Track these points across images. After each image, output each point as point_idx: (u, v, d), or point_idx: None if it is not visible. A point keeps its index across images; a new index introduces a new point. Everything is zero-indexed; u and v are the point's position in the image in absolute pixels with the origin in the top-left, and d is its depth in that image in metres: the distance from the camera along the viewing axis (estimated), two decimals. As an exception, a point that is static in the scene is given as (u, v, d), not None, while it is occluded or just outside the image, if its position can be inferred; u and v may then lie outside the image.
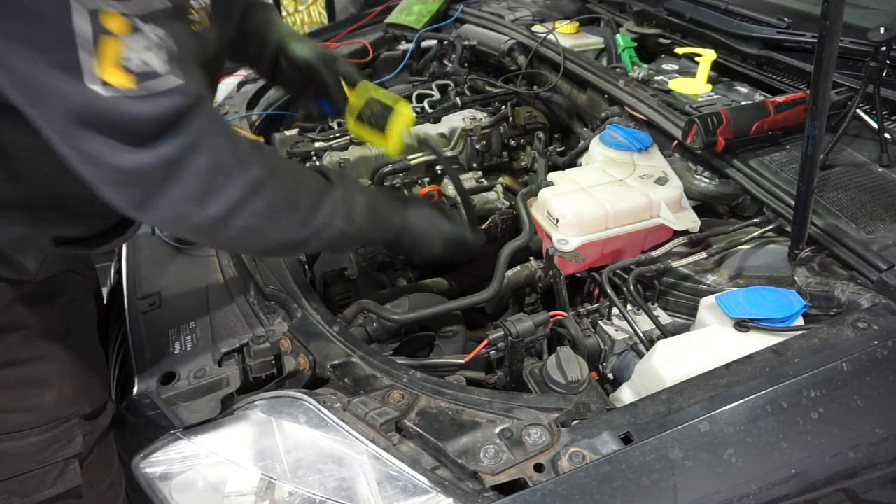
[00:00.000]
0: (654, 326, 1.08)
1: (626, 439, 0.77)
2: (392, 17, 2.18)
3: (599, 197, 1.19)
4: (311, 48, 1.19)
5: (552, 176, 1.29)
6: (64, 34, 0.61)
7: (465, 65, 1.99)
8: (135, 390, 1.00)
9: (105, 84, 0.64)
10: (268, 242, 0.87)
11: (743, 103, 1.33)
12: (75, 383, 0.95)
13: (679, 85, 1.44)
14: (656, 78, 1.51)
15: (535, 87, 1.76)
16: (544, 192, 1.24)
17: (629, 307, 1.10)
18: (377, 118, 1.14)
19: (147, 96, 0.67)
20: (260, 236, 0.85)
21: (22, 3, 0.59)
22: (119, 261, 1.30)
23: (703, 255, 1.15)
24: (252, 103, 1.81)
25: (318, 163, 1.54)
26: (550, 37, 1.78)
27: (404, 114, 1.13)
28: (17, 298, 0.88)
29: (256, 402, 0.88)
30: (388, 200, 1.08)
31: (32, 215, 0.85)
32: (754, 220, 1.17)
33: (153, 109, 0.68)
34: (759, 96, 1.41)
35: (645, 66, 1.60)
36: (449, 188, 1.45)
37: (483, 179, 1.55)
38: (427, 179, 1.58)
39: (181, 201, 0.75)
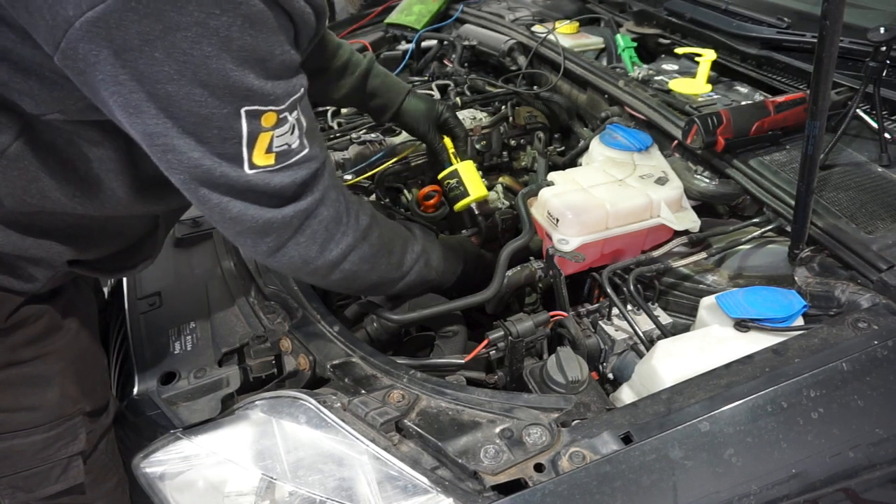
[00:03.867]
0: (654, 326, 1.08)
1: (626, 439, 0.77)
2: (392, 17, 2.18)
3: (599, 197, 1.19)
4: (421, 109, 1.38)
5: (552, 176, 1.29)
6: (231, 134, 0.73)
7: (465, 65, 1.99)
8: (135, 390, 1.00)
9: (254, 165, 0.76)
10: (366, 283, 1.00)
11: (743, 103, 1.33)
12: (77, 381, 0.96)
13: (679, 85, 1.44)
14: (656, 78, 1.51)
15: (535, 87, 1.76)
16: (544, 192, 1.24)
17: (629, 307, 1.10)
18: (452, 191, 1.39)
19: (284, 168, 0.79)
20: (361, 278, 0.97)
21: (196, 112, 0.69)
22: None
23: (703, 255, 1.15)
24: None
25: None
26: (550, 37, 1.78)
27: (466, 201, 1.37)
28: (19, 302, 0.89)
29: (256, 402, 0.88)
30: (453, 250, 1.22)
31: (51, 239, 0.88)
32: (754, 220, 1.17)
33: (291, 178, 0.80)
34: (759, 96, 1.41)
35: (645, 66, 1.60)
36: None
37: (483, 179, 1.55)
38: (427, 179, 1.58)
39: (307, 248, 0.87)
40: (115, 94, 0.68)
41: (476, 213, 1.42)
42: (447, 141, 1.41)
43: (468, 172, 1.38)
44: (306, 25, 0.77)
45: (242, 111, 0.72)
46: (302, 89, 0.78)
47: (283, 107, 0.75)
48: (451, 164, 1.39)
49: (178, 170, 0.75)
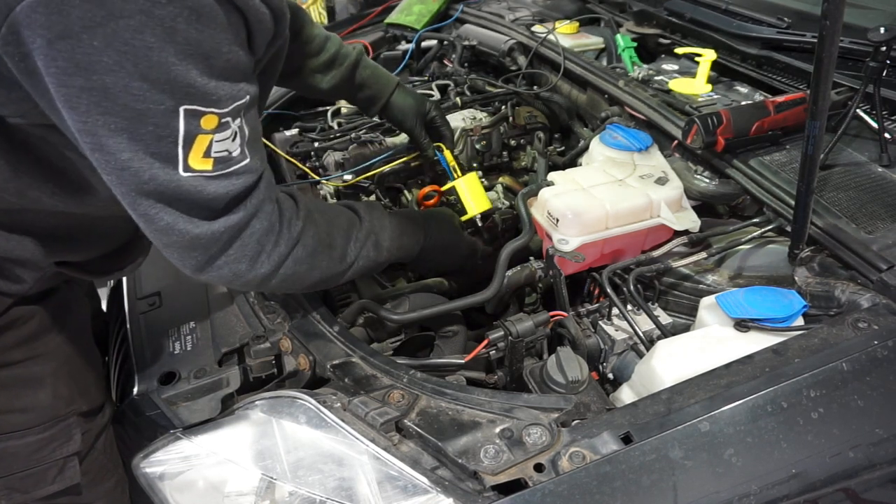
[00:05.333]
0: (654, 326, 1.08)
1: (626, 439, 0.77)
2: (392, 17, 2.18)
3: (599, 197, 1.19)
4: (410, 103, 1.37)
5: (552, 176, 1.29)
6: (167, 132, 0.69)
7: (465, 65, 1.99)
8: (135, 390, 1.00)
9: (188, 168, 0.73)
10: (308, 282, 0.96)
11: (743, 103, 1.33)
12: (70, 382, 0.96)
13: (679, 85, 1.44)
14: (656, 78, 1.51)
15: (535, 87, 1.76)
16: (544, 192, 1.24)
17: (629, 307, 1.10)
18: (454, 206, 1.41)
19: (221, 176, 0.76)
20: (302, 279, 0.93)
21: (132, 106, 0.66)
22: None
23: (703, 255, 1.15)
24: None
25: (317, 162, 1.54)
26: (550, 37, 1.78)
27: (470, 215, 1.38)
28: (8, 303, 0.89)
29: (256, 402, 0.88)
30: (410, 222, 1.17)
31: (34, 239, 0.88)
32: (754, 220, 1.17)
33: (226, 188, 0.77)
34: (759, 96, 1.41)
35: (645, 66, 1.60)
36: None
37: (483, 179, 1.55)
38: (427, 179, 1.58)
39: (238, 262, 0.83)
40: (51, 85, 0.65)
41: (479, 224, 1.41)
42: (448, 154, 1.41)
43: (469, 186, 1.38)
44: (261, 26, 0.75)
45: (181, 109, 0.69)
46: (248, 97, 0.75)
47: (225, 110, 0.72)
48: (452, 179, 1.39)
49: (107, 170, 0.72)
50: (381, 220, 1.08)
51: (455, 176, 1.39)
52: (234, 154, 0.76)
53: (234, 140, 0.75)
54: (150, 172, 0.71)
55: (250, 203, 0.81)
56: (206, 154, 0.73)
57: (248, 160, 0.78)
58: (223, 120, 0.72)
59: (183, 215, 0.76)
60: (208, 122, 0.71)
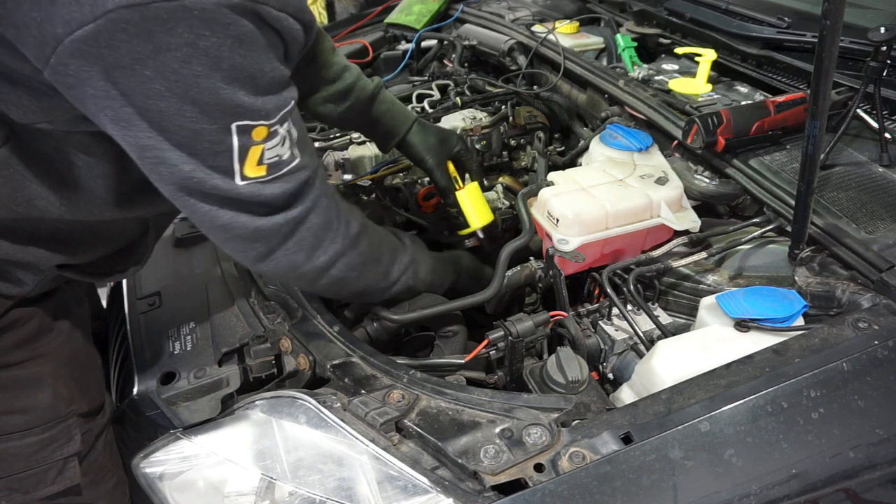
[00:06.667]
0: (654, 326, 1.08)
1: (626, 439, 0.77)
2: (392, 17, 2.18)
3: (599, 197, 1.19)
4: (431, 142, 1.31)
5: (552, 176, 1.29)
6: (223, 148, 0.74)
7: (465, 65, 1.99)
8: (135, 390, 1.00)
9: (245, 177, 0.77)
10: (353, 289, 1.01)
11: (743, 103, 1.33)
12: (70, 383, 0.96)
13: (679, 85, 1.44)
14: (656, 78, 1.51)
15: (535, 87, 1.76)
16: (544, 192, 1.24)
17: (629, 307, 1.10)
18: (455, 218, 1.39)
19: (275, 179, 0.80)
20: (349, 284, 0.98)
21: (187, 127, 0.70)
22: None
23: (703, 255, 1.15)
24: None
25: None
26: (550, 37, 1.78)
27: (466, 231, 1.37)
28: (8, 305, 0.89)
29: (256, 402, 0.88)
30: (446, 265, 1.21)
31: (39, 244, 0.88)
32: (754, 220, 1.16)
33: (282, 189, 0.81)
34: (759, 96, 1.41)
35: (645, 66, 1.60)
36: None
37: (483, 179, 1.55)
38: (427, 180, 1.58)
39: (295, 254, 0.87)
40: (105, 109, 0.68)
41: (480, 236, 1.39)
42: (449, 164, 1.34)
43: (471, 198, 1.34)
44: (295, 41, 0.78)
45: (233, 126, 0.72)
46: (292, 101, 0.79)
47: (273, 120, 0.76)
48: (454, 191, 1.34)
49: (169, 181, 0.75)
50: (423, 254, 1.14)
51: (457, 187, 1.34)
52: (285, 157, 0.80)
53: (283, 144, 0.79)
54: (211, 183, 0.75)
55: (308, 198, 0.85)
56: (260, 162, 0.77)
57: (298, 159, 0.82)
58: (272, 129, 0.76)
59: (244, 213, 0.80)
60: (259, 133, 0.75)
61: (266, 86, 0.74)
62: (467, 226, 1.35)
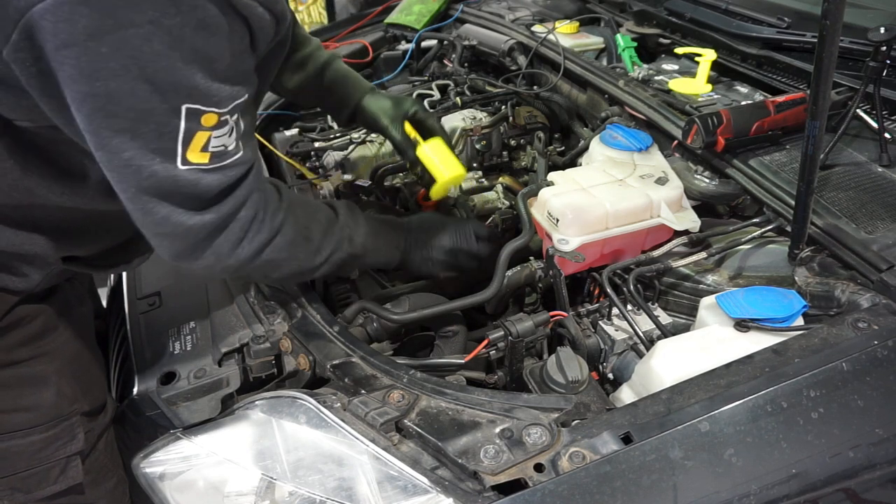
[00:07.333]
0: (654, 326, 1.08)
1: (626, 439, 0.77)
2: (392, 17, 2.18)
3: (599, 197, 1.19)
4: (384, 105, 1.27)
5: (552, 176, 1.29)
6: (168, 129, 0.72)
7: (465, 65, 1.99)
8: (135, 390, 1.00)
9: (186, 161, 0.75)
10: (285, 271, 0.97)
11: (743, 103, 1.33)
12: (73, 382, 0.96)
13: (679, 85, 1.44)
14: (656, 78, 1.51)
15: (535, 87, 1.76)
16: (544, 192, 1.23)
17: (629, 307, 1.10)
18: (427, 178, 1.26)
19: (216, 169, 0.78)
20: (279, 267, 0.95)
21: (136, 107, 0.69)
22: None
23: (703, 255, 1.15)
24: (252, 103, 1.80)
25: (317, 162, 1.54)
26: (550, 37, 1.78)
27: (442, 184, 1.23)
28: (14, 301, 0.89)
29: (256, 402, 0.88)
30: (388, 226, 1.17)
31: (44, 234, 0.89)
32: (754, 220, 1.17)
33: (219, 181, 0.79)
34: (759, 96, 1.41)
35: (645, 66, 1.60)
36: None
37: (483, 179, 1.55)
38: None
39: (221, 249, 0.85)
40: (61, 85, 0.67)
41: (454, 196, 1.29)
42: (408, 126, 1.26)
43: (436, 151, 1.22)
44: (263, 30, 0.77)
45: (183, 108, 0.71)
46: (246, 95, 0.78)
47: (224, 109, 0.75)
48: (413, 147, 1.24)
49: (109, 168, 0.74)
50: (357, 220, 1.09)
51: (419, 144, 1.23)
52: (230, 148, 0.79)
53: (230, 135, 0.78)
54: (150, 169, 0.73)
55: (240, 192, 0.83)
56: (205, 149, 0.76)
57: (241, 153, 0.81)
58: (222, 118, 0.75)
59: (178, 208, 0.78)
60: (208, 119, 0.74)
61: (224, 73, 0.73)
62: (434, 186, 1.23)
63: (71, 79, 0.66)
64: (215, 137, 0.76)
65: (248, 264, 0.89)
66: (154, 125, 0.71)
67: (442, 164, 1.20)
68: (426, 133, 1.28)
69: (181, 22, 0.66)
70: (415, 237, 1.19)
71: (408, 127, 1.26)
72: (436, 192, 1.26)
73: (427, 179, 1.25)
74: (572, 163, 1.55)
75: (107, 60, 0.65)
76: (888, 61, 1.17)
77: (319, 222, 1.02)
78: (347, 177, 1.48)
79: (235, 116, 0.77)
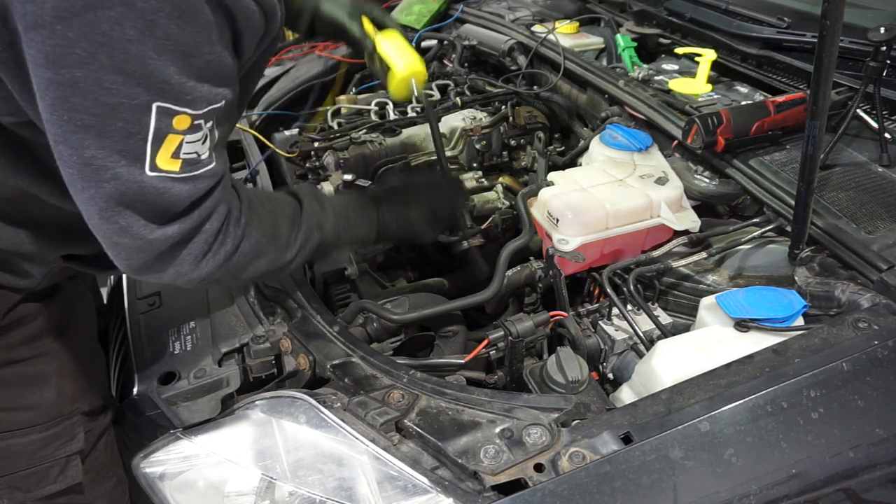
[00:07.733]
0: (654, 326, 1.08)
1: (626, 439, 0.77)
2: (392, 17, 2.18)
3: (599, 197, 1.19)
4: (342, 2, 1.17)
5: (552, 176, 1.29)
6: (137, 129, 0.67)
7: (465, 65, 1.99)
8: (135, 390, 1.00)
9: (155, 167, 0.70)
10: (255, 272, 0.91)
11: (743, 103, 1.33)
12: (74, 381, 0.96)
13: (679, 85, 1.44)
14: (656, 78, 1.51)
15: (535, 87, 1.76)
16: (544, 192, 1.24)
17: (629, 307, 1.10)
18: (383, 72, 1.17)
19: (186, 179, 0.73)
20: (247, 269, 0.89)
21: (103, 101, 0.64)
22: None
23: (703, 255, 1.15)
24: (252, 103, 1.80)
25: (317, 162, 1.54)
26: (550, 37, 1.78)
27: (400, 78, 1.15)
28: (16, 299, 0.89)
29: (256, 402, 0.88)
30: (358, 202, 1.12)
31: (43, 233, 0.88)
32: (754, 220, 1.17)
33: (188, 192, 0.74)
34: (759, 96, 1.41)
35: (645, 66, 1.60)
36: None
37: (483, 179, 1.55)
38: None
39: (181, 263, 0.79)
40: (13, 77, 0.64)
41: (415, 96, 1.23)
42: (365, 21, 1.17)
43: (393, 42, 1.15)
44: (250, 25, 0.73)
45: (154, 105, 0.66)
46: (224, 101, 0.73)
47: (199, 112, 0.70)
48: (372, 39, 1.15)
49: (68, 164, 0.69)
50: (323, 204, 1.03)
51: (372, 37, 1.15)
52: (203, 156, 0.74)
53: (203, 142, 0.73)
54: (113, 171, 0.68)
55: (205, 206, 0.78)
56: (175, 155, 0.71)
57: (213, 164, 0.76)
58: (196, 122, 0.70)
59: (140, 219, 0.73)
60: (181, 122, 0.69)
61: (200, 69, 0.68)
62: (391, 79, 1.16)
63: (36, 64, 0.61)
64: (188, 143, 0.71)
65: (212, 275, 0.84)
66: (122, 122, 0.66)
67: (399, 55, 1.14)
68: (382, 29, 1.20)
69: (156, 6, 0.61)
70: (387, 207, 1.14)
71: (366, 24, 1.18)
72: (395, 89, 1.17)
73: (386, 74, 1.18)
74: (572, 163, 1.55)
75: (73, 46, 0.60)
76: (888, 61, 1.17)
77: (285, 215, 0.96)
78: (347, 177, 1.48)
79: (210, 124, 0.72)
